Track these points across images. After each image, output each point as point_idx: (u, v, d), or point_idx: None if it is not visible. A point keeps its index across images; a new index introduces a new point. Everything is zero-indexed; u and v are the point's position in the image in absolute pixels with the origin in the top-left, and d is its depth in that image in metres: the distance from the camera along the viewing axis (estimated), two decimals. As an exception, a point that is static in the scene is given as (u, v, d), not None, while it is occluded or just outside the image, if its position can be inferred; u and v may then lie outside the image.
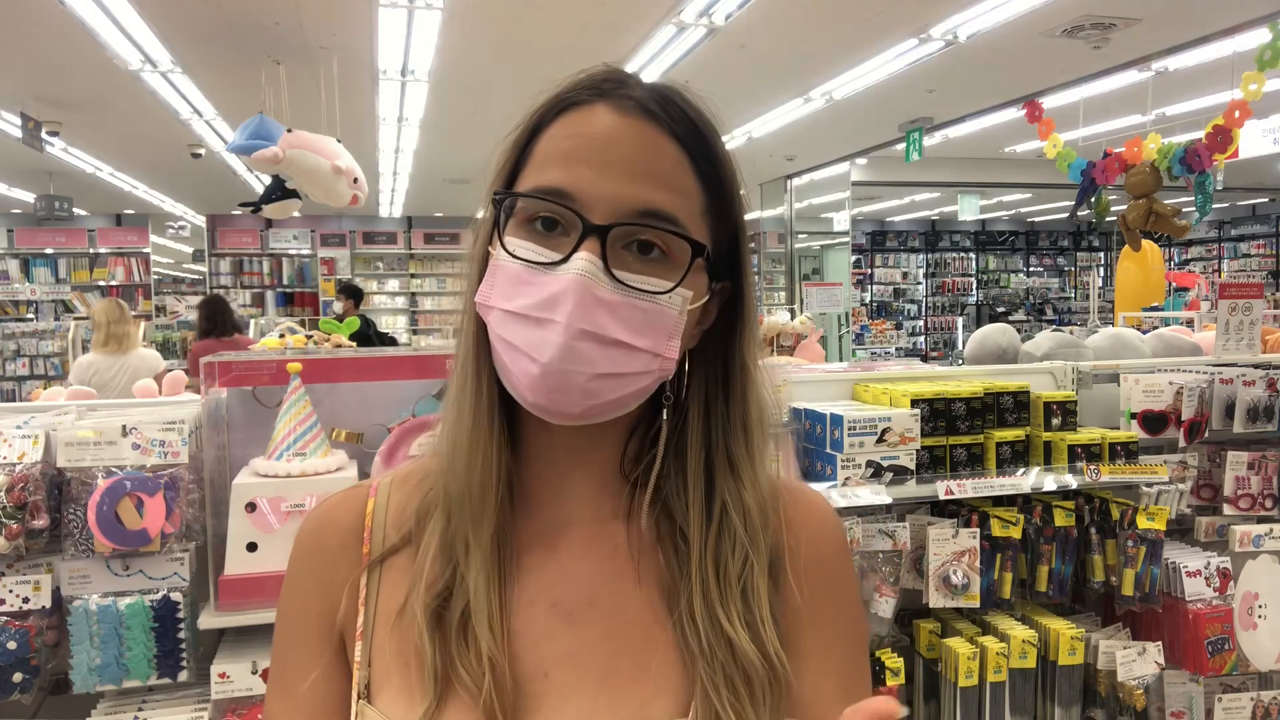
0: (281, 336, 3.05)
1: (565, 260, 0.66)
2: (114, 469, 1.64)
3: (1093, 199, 5.84)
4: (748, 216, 0.77)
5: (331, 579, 0.77)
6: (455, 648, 0.69)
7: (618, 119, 0.69)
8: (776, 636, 0.73)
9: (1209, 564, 2.00)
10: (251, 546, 1.68)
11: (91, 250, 12.65)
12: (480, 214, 0.75)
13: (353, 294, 8.47)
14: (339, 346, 2.99)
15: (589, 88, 0.71)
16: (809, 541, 0.78)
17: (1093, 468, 1.96)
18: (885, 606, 1.83)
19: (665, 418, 0.75)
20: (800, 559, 0.77)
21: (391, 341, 8.97)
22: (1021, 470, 1.98)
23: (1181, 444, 2.18)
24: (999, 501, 1.98)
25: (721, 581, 0.72)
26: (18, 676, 1.59)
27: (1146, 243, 6.00)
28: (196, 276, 17.59)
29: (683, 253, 0.69)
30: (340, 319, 5.33)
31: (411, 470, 0.81)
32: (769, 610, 0.73)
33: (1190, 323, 5.42)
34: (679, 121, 0.70)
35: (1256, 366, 2.32)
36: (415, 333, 14.18)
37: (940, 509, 1.97)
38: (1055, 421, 2.05)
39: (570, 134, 0.69)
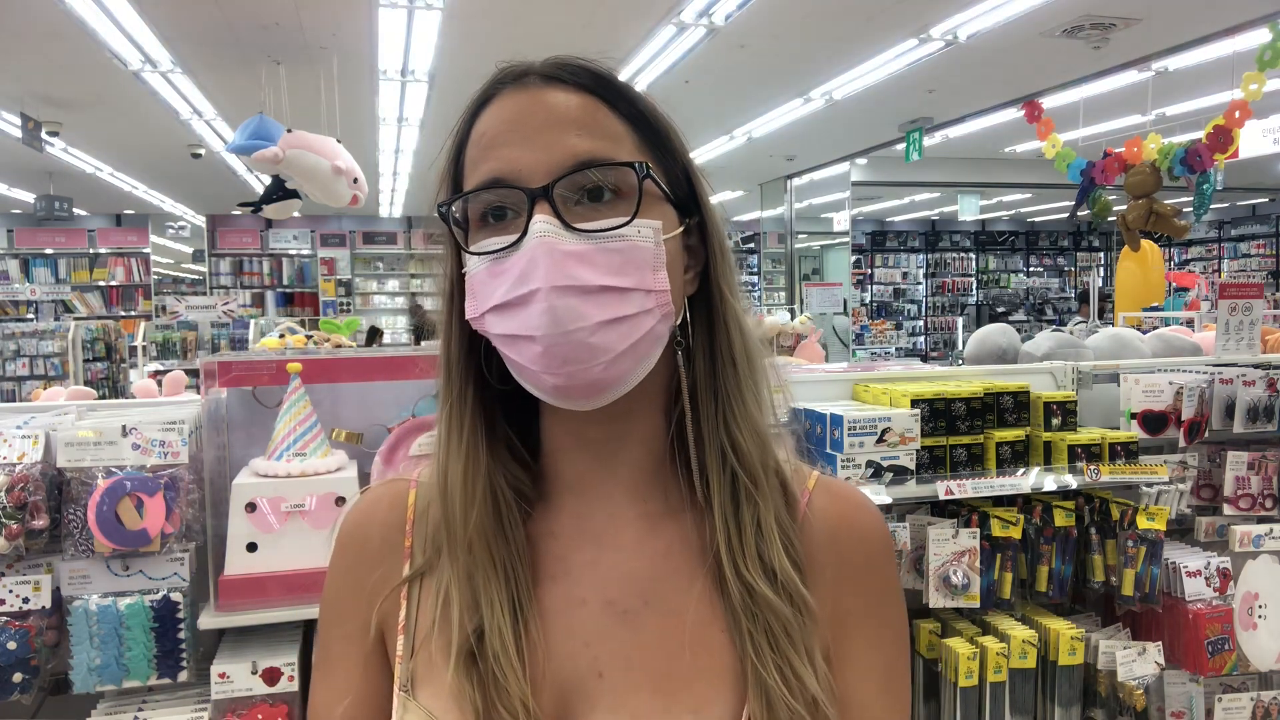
0: (281, 337, 3.05)
1: (523, 234, 0.66)
2: (114, 469, 1.63)
3: (1092, 199, 5.84)
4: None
5: (373, 576, 0.77)
6: (491, 686, 0.68)
7: (524, 95, 0.70)
8: (794, 575, 0.73)
9: (1209, 564, 2.00)
10: (251, 546, 1.68)
11: (91, 250, 12.65)
12: (440, 249, 0.76)
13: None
14: (339, 346, 2.99)
15: (491, 84, 0.72)
16: (850, 547, 0.78)
17: (1093, 468, 1.96)
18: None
19: (682, 363, 0.74)
20: (844, 561, 0.77)
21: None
22: (1021, 470, 1.98)
23: (1181, 444, 2.18)
24: (999, 501, 1.98)
25: (742, 528, 0.73)
26: (18, 676, 1.59)
27: (1146, 243, 5.99)
28: (196, 276, 17.61)
29: (630, 187, 0.69)
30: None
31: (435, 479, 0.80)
32: (781, 548, 0.73)
33: (1190, 323, 5.40)
34: (582, 76, 0.71)
35: (1256, 366, 2.32)
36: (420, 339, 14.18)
37: (940, 509, 1.97)
38: (1055, 421, 2.05)
39: (485, 129, 0.71)
